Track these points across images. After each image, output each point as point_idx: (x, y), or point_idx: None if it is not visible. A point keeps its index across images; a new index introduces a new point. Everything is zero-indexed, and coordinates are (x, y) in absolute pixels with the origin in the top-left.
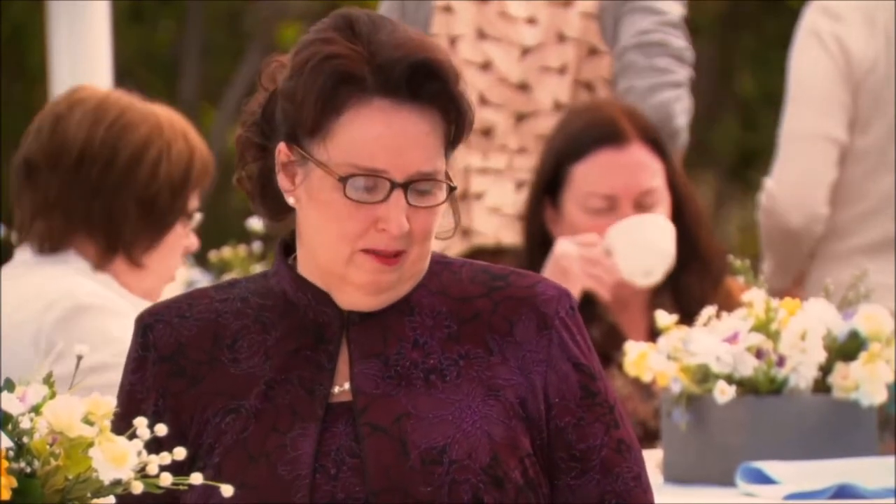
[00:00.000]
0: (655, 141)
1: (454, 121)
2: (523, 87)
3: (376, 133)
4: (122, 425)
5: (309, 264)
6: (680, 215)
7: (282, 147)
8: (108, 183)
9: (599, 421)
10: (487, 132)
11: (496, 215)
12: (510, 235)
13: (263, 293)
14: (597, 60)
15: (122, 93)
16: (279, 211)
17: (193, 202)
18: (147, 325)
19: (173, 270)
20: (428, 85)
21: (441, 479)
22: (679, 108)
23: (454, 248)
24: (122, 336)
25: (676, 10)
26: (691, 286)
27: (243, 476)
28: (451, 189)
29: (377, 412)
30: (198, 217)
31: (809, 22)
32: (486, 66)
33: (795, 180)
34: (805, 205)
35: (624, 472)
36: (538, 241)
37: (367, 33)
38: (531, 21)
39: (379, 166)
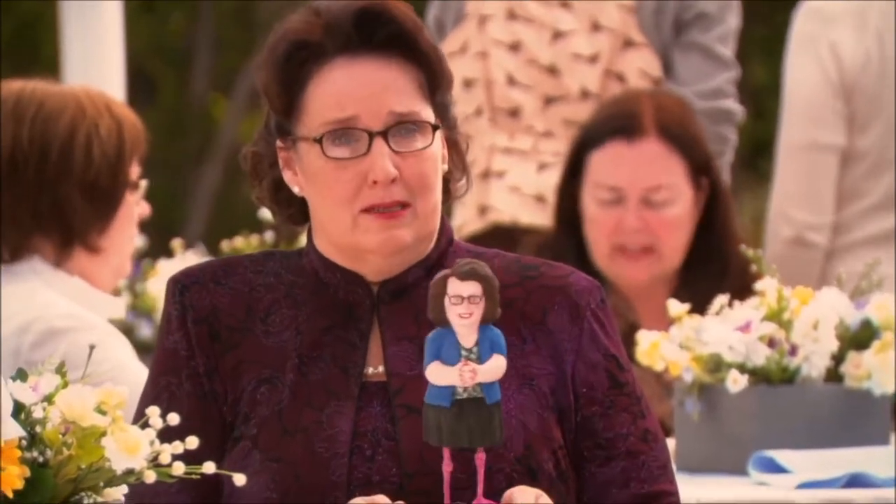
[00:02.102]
0: (678, 138)
1: (423, 65)
2: (553, 71)
3: (339, 87)
4: (171, 384)
5: (328, 247)
6: (710, 226)
7: (278, 144)
8: (46, 178)
9: (627, 411)
10: (515, 113)
11: (515, 194)
12: (527, 215)
13: (296, 270)
14: (632, 52)
15: (37, 82)
16: (298, 216)
17: (135, 171)
18: (184, 286)
19: (131, 243)
20: (379, 30)
21: (476, 467)
22: (725, 165)
23: (471, 226)
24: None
25: (731, 45)
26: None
27: (280, 450)
28: (435, 128)
29: (412, 394)
30: (144, 184)
31: (799, 28)
32: (515, 46)
33: (795, 191)
34: (807, 214)
35: (650, 461)
36: (567, 222)
37: (324, 6)
38: (566, 6)
39: (348, 114)
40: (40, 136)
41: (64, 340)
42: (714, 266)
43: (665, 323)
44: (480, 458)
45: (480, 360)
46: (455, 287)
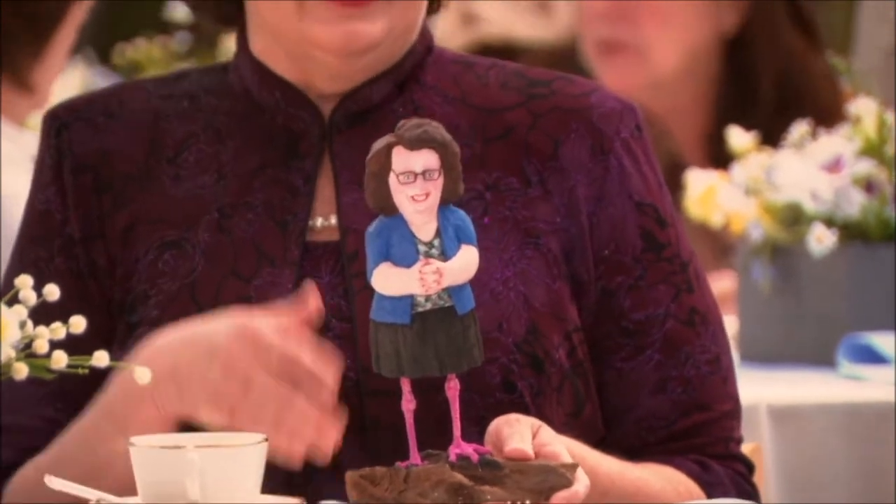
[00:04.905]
0: None
1: None
2: None
3: None
4: (39, 259)
5: (268, 50)
6: (763, 23)
7: None
8: None
9: (666, 282)
10: None
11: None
12: (525, 28)
13: (220, 91)
14: None
15: None
16: (228, 9)
17: (80, 10)
18: (62, 123)
19: (60, 72)
20: None
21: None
22: None
23: (449, 42)
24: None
25: None
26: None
27: None
28: None
29: None
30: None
31: None
32: None
33: None
34: None
35: (696, 353)
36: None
37: None
38: None
39: None
40: None
41: None
42: (766, 80)
43: (709, 159)
44: (453, 388)
45: (445, 255)
46: (403, 159)
